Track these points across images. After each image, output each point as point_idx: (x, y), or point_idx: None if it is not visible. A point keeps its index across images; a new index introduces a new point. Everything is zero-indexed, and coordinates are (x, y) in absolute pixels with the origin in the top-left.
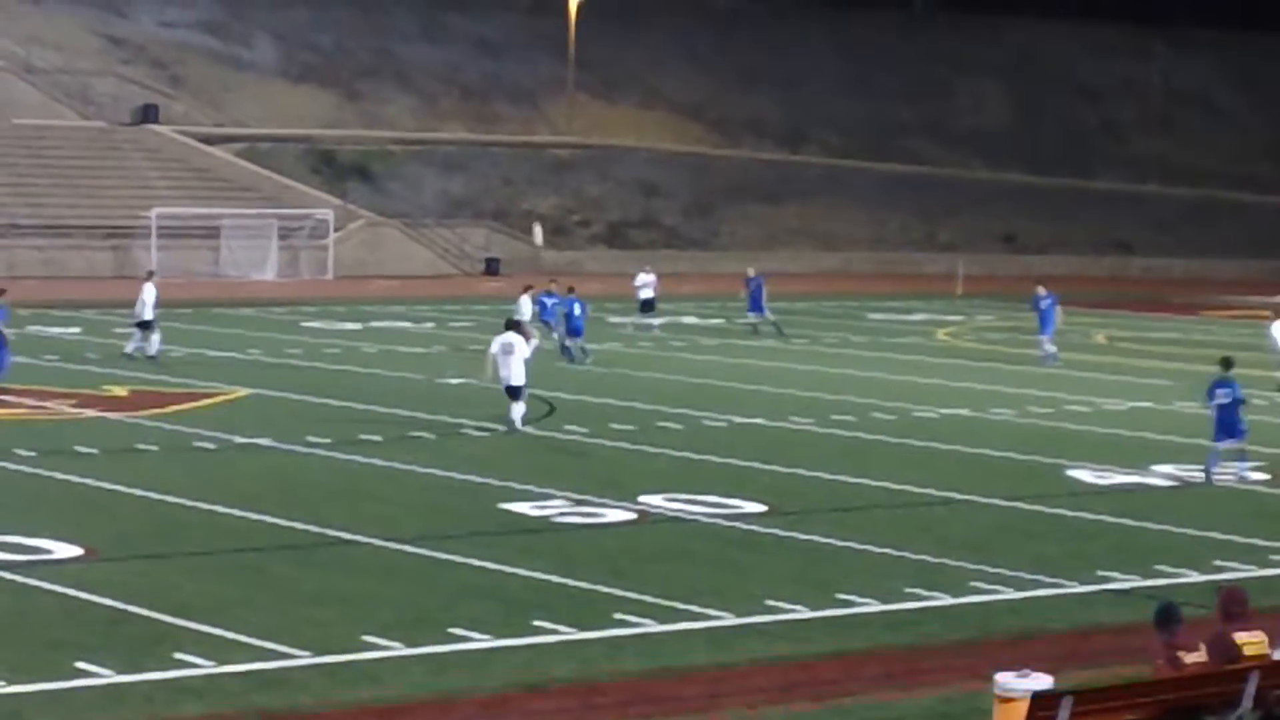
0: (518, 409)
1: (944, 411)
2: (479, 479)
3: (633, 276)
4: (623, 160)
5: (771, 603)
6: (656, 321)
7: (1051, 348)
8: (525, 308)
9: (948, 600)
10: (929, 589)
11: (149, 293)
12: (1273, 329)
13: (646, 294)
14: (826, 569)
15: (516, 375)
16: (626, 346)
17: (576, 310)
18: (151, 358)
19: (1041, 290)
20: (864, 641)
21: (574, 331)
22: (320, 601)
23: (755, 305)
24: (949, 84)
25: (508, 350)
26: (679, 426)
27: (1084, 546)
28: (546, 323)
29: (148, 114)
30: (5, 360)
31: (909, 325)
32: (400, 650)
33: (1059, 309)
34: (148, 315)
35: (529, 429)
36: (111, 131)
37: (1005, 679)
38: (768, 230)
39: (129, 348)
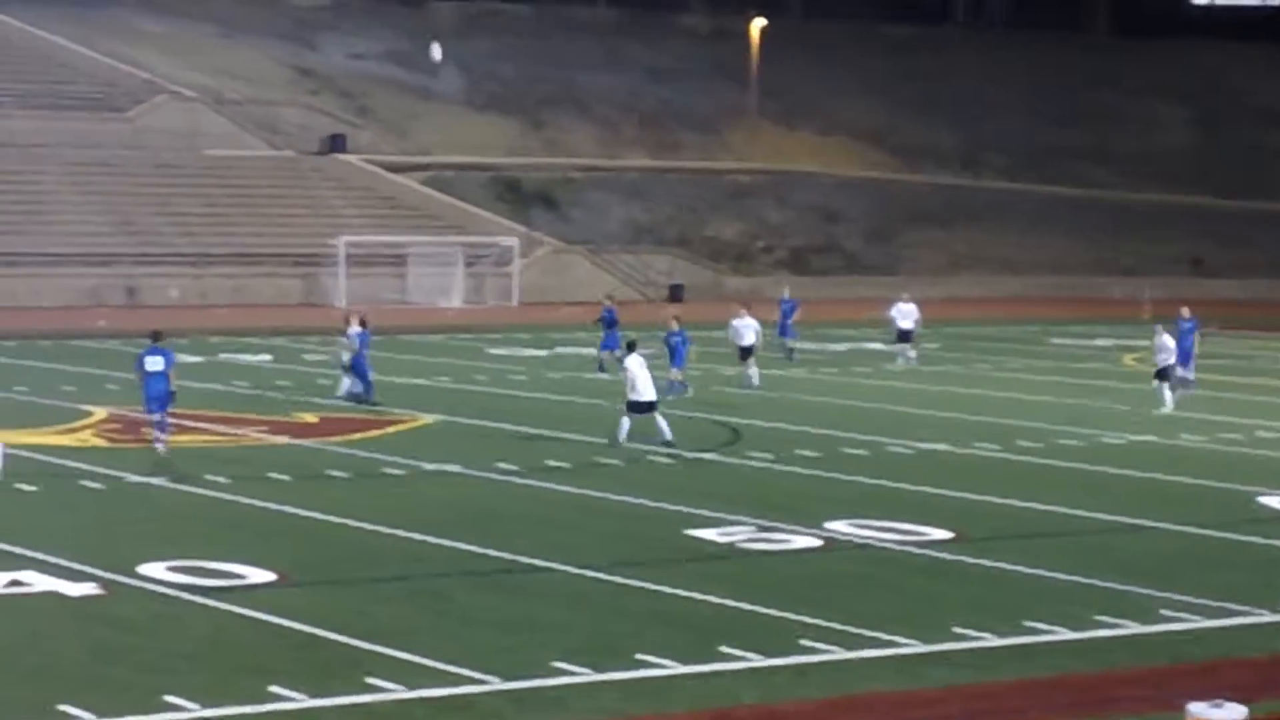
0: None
1: (1132, 438)
2: (665, 505)
3: (889, 304)
4: (803, 186)
5: (958, 630)
6: (913, 353)
7: (1187, 374)
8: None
9: (1136, 628)
10: (1116, 616)
11: (354, 333)
12: None
13: (906, 324)
14: (1013, 596)
15: (649, 392)
16: (810, 372)
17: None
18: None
19: (1185, 313)
20: (1051, 669)
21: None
22: (508, 627)
23: (784, 329)
24: (1124, 107)
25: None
26: (864, 452)
27: (1276, 575)
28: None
29: (335, 143)
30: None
31: (1094, 350)
32: (588, 676)
33: (1198, 335)
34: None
35: (714, 455)
36: (300, 161)
37: (1199, 709)
38: (948, 255)
39: (341, 391)
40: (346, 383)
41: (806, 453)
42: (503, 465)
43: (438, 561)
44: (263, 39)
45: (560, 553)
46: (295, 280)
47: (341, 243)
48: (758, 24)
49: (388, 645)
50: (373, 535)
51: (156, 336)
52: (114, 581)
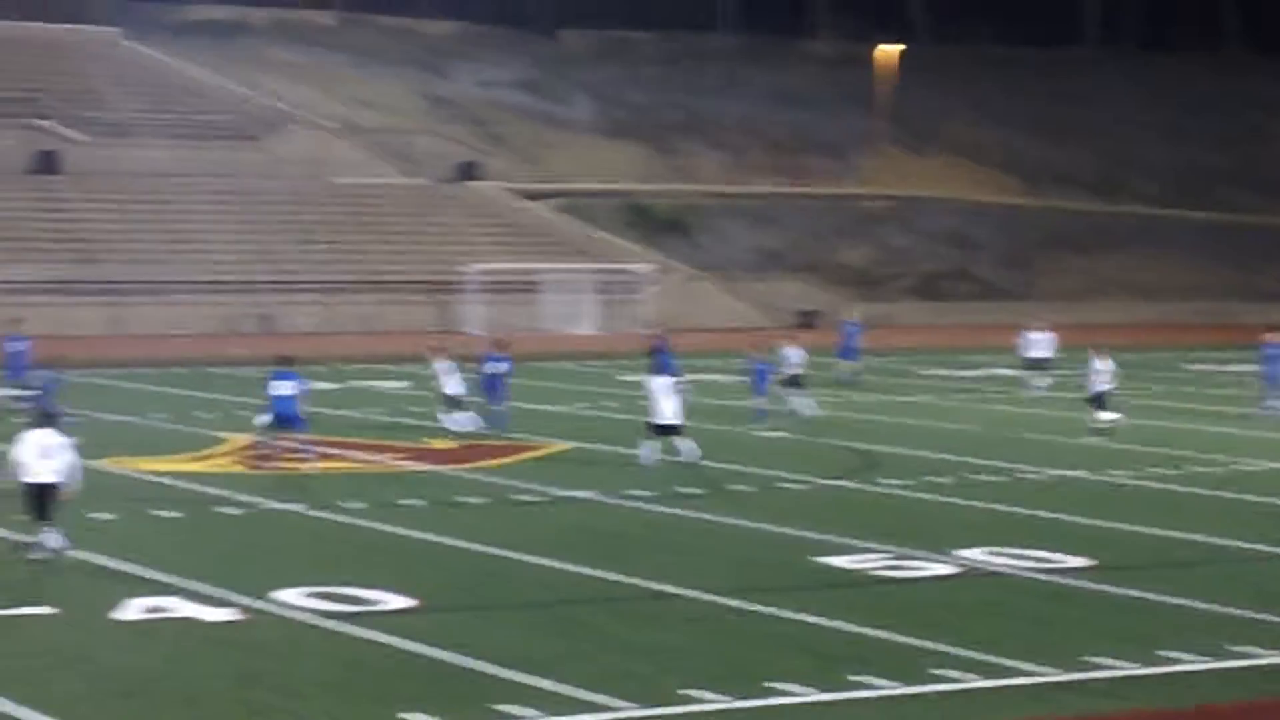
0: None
1: (1271, 464)
2: (796, 532)
3: (1022, 330)
4: (932, 212)
5: (1092, 658)
6: (1044, 381)
7: (1275, 402)
8: (794, 357)
9: (1276, 658)
10: (1256, 646)
11: (445, 366)
12: None
13: (1037, 353)
14: (1149, 625)
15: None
16: (942, 399)
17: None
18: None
19: (1272, 338)
20: (1188, 699)
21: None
22: (639, 654)
23: (847, 352)
24: (1264, 128)
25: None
26: (998, 479)
27: None
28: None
29: (468, 171)
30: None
31: (1232, 376)
32: (719, 703)
33: None
34: (453, 389)
35: (845, 482)
36: (432, 189)
37: None
38: (1083, 281)
39: (448, 423)
40: (457, 416)
41: (938, 479)
42: (634, 491)
43: (570, 587)
44: (395, 68)
45: (691, 579)
46: (428, 308)
47: (473, 270)
48: (885, 49)
49: (521, 671)
50: (506, 561)
51: (285, 361)
52: (252, 607)
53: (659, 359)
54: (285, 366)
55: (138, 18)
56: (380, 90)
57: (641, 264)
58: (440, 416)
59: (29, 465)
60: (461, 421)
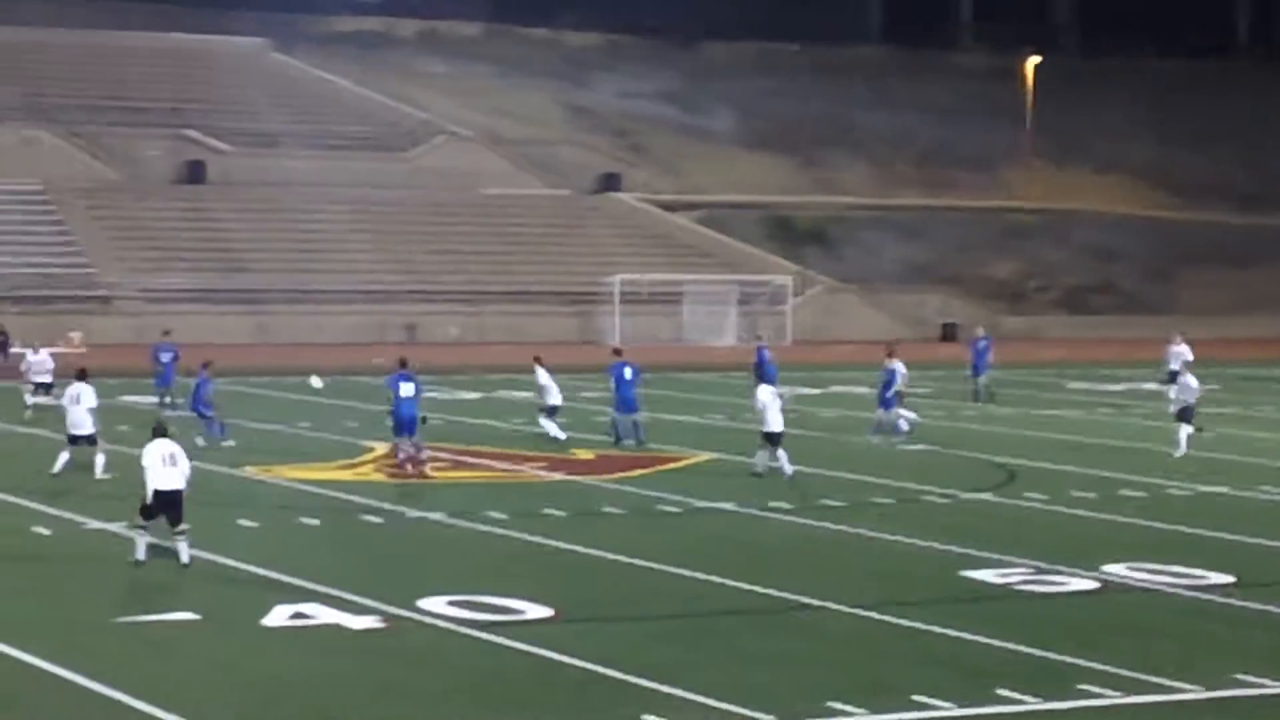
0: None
1: None
2: (940, 546)
3: (1167, 343)
4: (1080, 225)
5: (1240, 677)
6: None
7: None
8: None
9: None
10: None
11: (545, 376)
12: None
13: (1177, 366)
14: None
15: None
16: (1087, 413)
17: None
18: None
19: None
20: None
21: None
22: (783, 666)
23: (978, 367)
24: None
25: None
26: (1142, 494)
27: None
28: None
29: (610, 182)
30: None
31: None
32: (862, 716)
33: None
34: (552, 400)
35: (989, 496)
36: (575, 200)
37: None
38: (1231, 294)
39: (551, 430)
40: (552, 425)
41: (1082, 494)
42: (776, 503)
43: (711, 599)
44: (539, 79)
45: (833, 591)
46: (570, 319)
47: (616, 281)
48: (1033, 61)
49: (662, 682)
50: (647, 572)
51: (405, 364)
52: (395, 615)
53: (762, 368)
54: (404, 368)
55: (284, 29)
56: (524, 101)
57: (783, 276)
58: (543, 422)
59: (156, 473)
60: (552, 429)
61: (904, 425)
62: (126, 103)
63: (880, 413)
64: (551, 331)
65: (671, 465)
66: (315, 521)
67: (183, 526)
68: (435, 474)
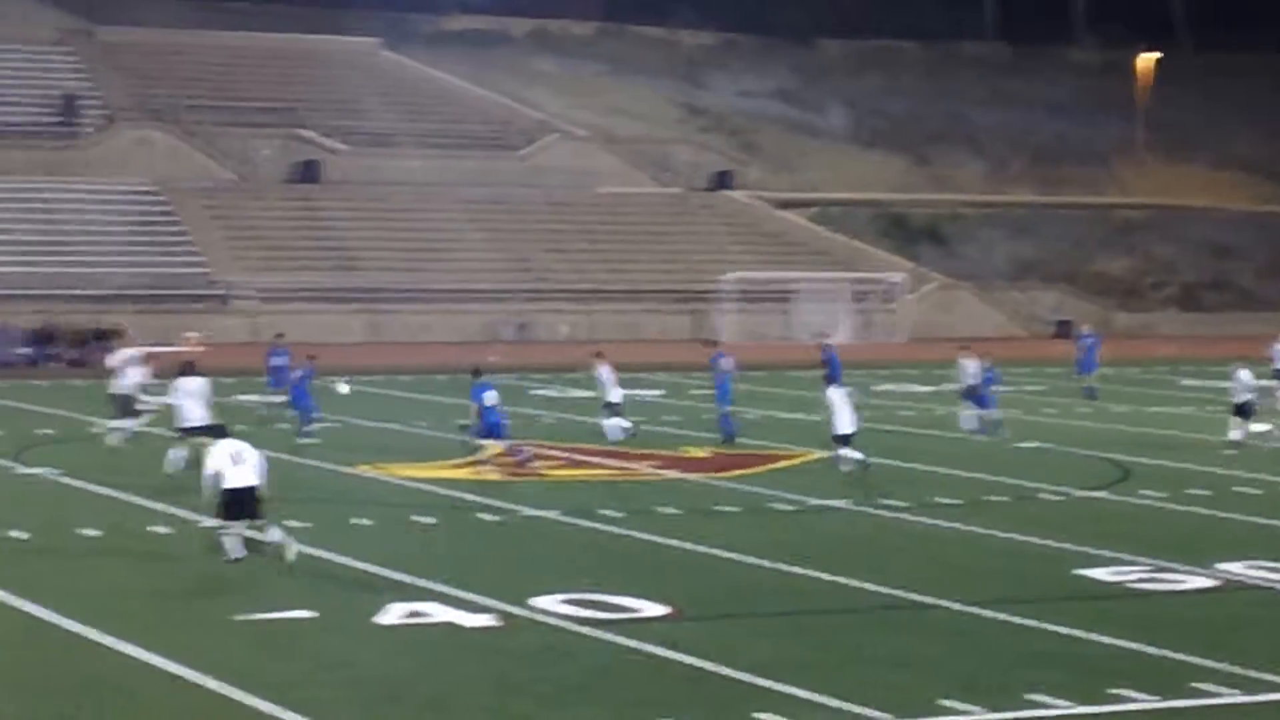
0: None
1: None
2: (1054, 544)
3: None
4: (1194, 221)
5: None
6: None
7: None
8: (971, 368)
9: None
10: None
11: (607, 373)
12: None
13: None
14: None
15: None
16: (1200, 410)
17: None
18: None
19: None
20: None
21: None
22: (897, 664)
23: (1085, 365)
24: None
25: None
26: (1258, 491)
27: None
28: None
29: (723, 180)
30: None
31: None
32: (977, 714)
33: None
34: (614, 397)
35: (1103, 494)
36: (688, 198)
37: None
38: None
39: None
40: (611, 423)
41: (1198, 491)
42: (890, 501)
43: (826, 597)
44: (653, 77)
45: (948, 589)
46: (683, 316)
47: (729, 279)
48: (1147, 57)
49: (776, 680)
50: (761, 570)
51: (479, 372)
52: (510, 613)
53: (832, 368)
54: (478, 378)
55: (397, 28)
56: (637, 100)
57: (896, 273)
58: (603, 422)
59: (224, 472)
60: (613, 429)
61: (972, 425)
62: (240, 102)
63: (983, 411)
64: (663, 329)
65: (785, 463)
66: (430, 520)
67: (260, 521)
68: (549, 472)
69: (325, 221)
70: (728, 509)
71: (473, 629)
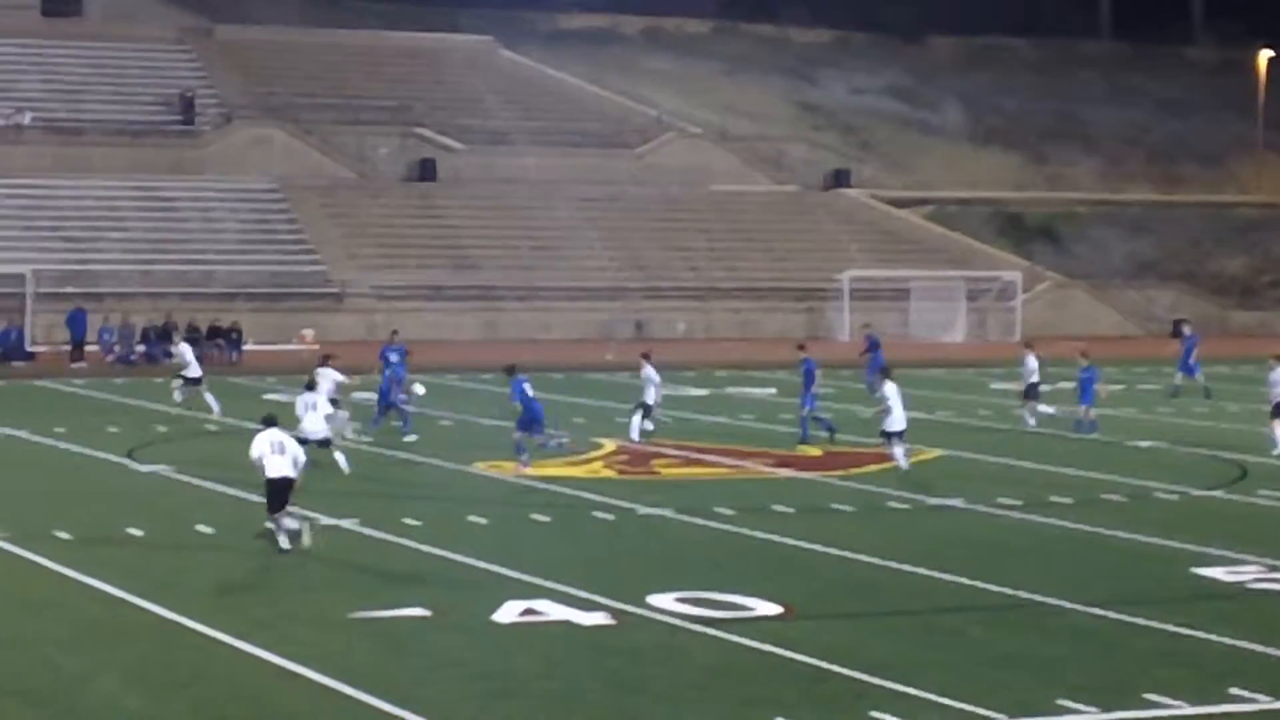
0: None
1: None
2: (1171, 543)
3: None
4: None
5: None
6: None
7: None
8: (1031, 364)
9: None
10: None
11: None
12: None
13: None
14: None
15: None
16: None
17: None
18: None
19: None
20: None
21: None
22: (1013, 664)
23: (1185, 365)
24: None
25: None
26: None
27: None
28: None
29: (839, 178)
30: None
31: None
32: (1094, 715)
33: None
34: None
35: (1220, 493)
36: (804, 196)
37: None
38: None
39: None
40: (636, 420)
41: None
42: (1005, 500)
43: (941, 596)
44: (767, 75)
45: (1064, 589)
46: (799, 315)
47: (845, 277)
48: (1265, 55)
49: (892, 679)
50: (877, 569)
51: (513, 370)
52: (624, 611)
53: (877, 357)
54: (515, 372)
55: (513, 26)
56: (752, 97)
57: (1012, 272)
58: (633, 418)
59: (265, 461)
60: (637, 426)
61: (1031, 421)
62: (357, 101)
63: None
64: (780, 327)
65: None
66: (545, 518)
67: (288, 512)
68: (664, 470)
69: (441, 220)
70: (842, 507)
71: (588, 627)
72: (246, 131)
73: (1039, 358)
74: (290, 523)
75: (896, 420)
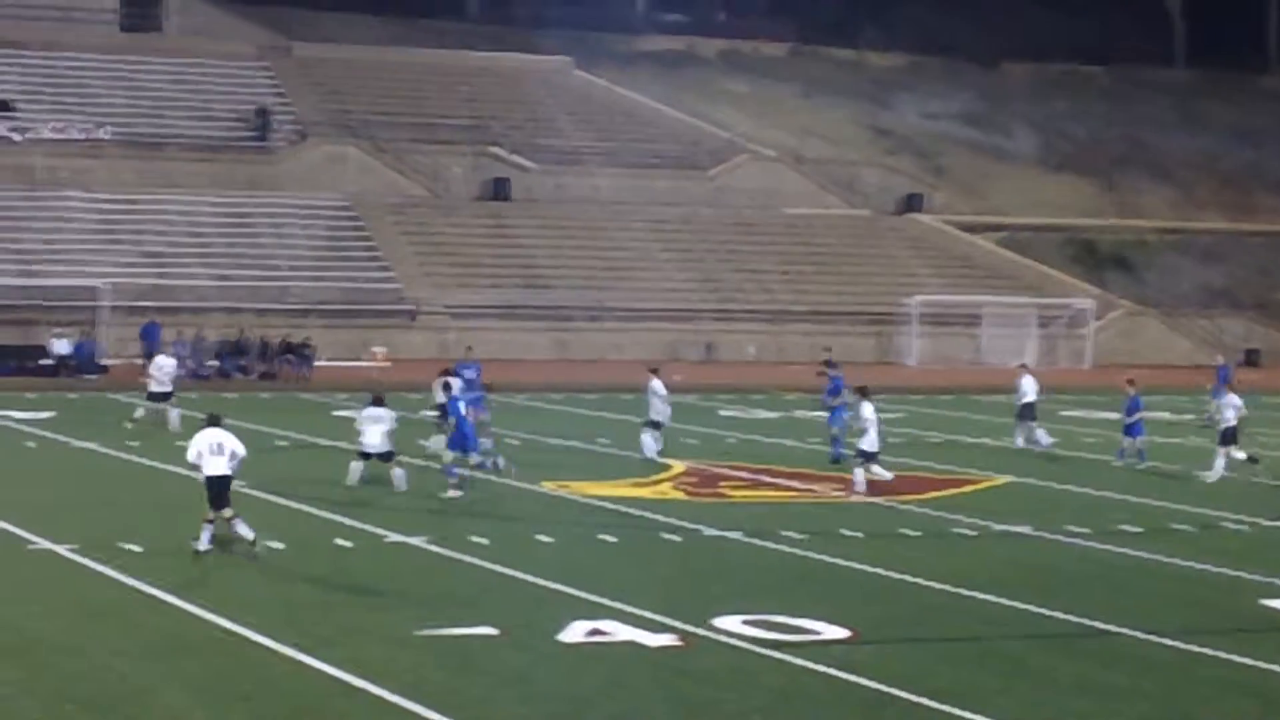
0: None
1: None
2: (1240, 574)
3: None
4: None
5: None
6: None
7: None
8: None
9: None
10: None
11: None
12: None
13: None
14: None
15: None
16: None
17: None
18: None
19: None
20: None
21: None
22: (1078, 691)
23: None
24: None
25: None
26: None
27: None
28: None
29: (911, 203)
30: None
31: None
32: None
33: None
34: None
35: None
36: (876, 220)
37: None
38: None
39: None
40: (646, 438)
41: None
42: (1072, 527)
43: (1007, 623)
44: (841, 99)
45: (1130, 618)
46: (869, 338)
47: (915, 302)
48: None
49: (957, 706)
50: (943, 594)
51: (448, 387)
52: (691, 633)
53: (836, 382)
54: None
55: (589, 47)
56: (826, 121)
57: (1084, 299)
58: (643, 437)
59: (204, 461)
60: (650, 445)
61: (1020, 441)
62: (431, 119)
63: (1125, 440)
64: (850, 351)
65: (969, 488)
66: (613, 538)
67: (227, 511)
68: (732, 493)
69: (514, 239)
70: (910, 532)
71: (654, 648)
72: (322, 148)
73: (1036, 380)
74: (243, 528)
75: (871, 441)
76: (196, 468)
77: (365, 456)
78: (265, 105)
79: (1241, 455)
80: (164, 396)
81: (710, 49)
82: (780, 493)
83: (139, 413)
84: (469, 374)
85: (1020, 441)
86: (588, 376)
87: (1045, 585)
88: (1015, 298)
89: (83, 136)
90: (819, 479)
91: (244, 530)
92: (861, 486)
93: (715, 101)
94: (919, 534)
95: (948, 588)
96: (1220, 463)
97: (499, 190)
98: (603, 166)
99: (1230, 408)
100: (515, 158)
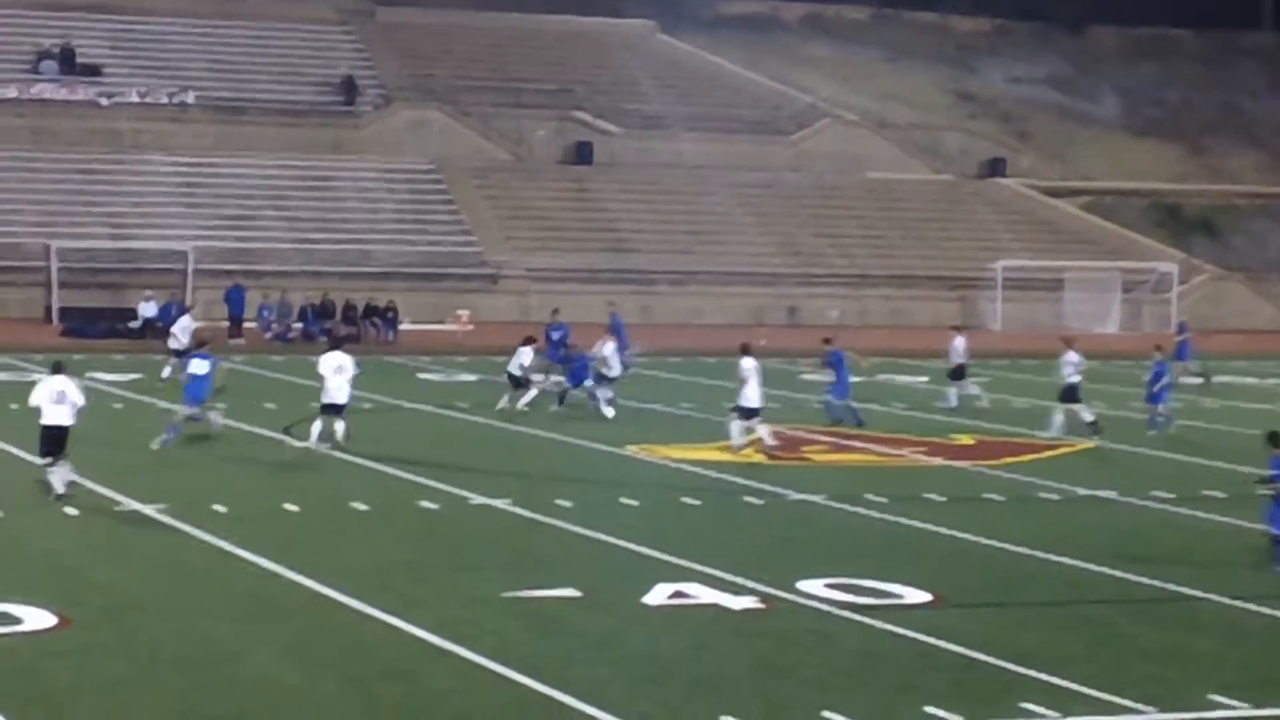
0: None
1: None
2: None
3: None
4: None
5: None
6: None
7: None
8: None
9: None
10: None
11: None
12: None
13: None
14: None
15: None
16: None
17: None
18: (953, 408)
19: None
20: None
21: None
22: (1163, 657)
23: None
24: None
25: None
26: None
27: None
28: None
29: (995, 167)
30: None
31: None
32: (1246, 710)
33: None
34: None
35: None
36: (959, 184)
37: None
38: None
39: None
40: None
41: None
42: (1158, 493)
43: (1092, 588)
44: (925, 63)
45: (1216, 583)
46: (952, 303)
47: (999, 267)
48: None
49: (1042, 671)
50: (1027, 559)
51: (203, 343)
52: (774, 596)
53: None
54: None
55: (673, 11)
56: (910, 86)
57: (1168, 264)
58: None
59: (44, 409)
60: (737, 432)
61: (952, 401)
62: (515, 84)
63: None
64: (933, 316)
65: (1052, 453)
66: (696, 502)
67: (61, 461)
68: (814, 457)
69: (597, 203)
70: (994, 497)
71: (738, 611)
72: (405, 113)
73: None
74: (65, 476)
75: (747, 397)
76: (38, 414)
77: (325, 410)
78: (350, 71)
79: (1089, 416)
80: (182, 354)
81: (793, 13)
82: (863, 457)
83: (166, 371)
84: (556, 335)
85: (953, 401)
86: (671, 340)
87: (1130, 550)
88: (1099, 262)
89: (167, 100)
90: (903, 443)
91: (56, 481)
92: (739, 442)
93: (798, 66)
94: (1002, 499)
95: (1031, 552)
96: (1059, 419)
97: (582, 154)
98: (686, 131)
99: (1068, 365)
100: (599, 122)
